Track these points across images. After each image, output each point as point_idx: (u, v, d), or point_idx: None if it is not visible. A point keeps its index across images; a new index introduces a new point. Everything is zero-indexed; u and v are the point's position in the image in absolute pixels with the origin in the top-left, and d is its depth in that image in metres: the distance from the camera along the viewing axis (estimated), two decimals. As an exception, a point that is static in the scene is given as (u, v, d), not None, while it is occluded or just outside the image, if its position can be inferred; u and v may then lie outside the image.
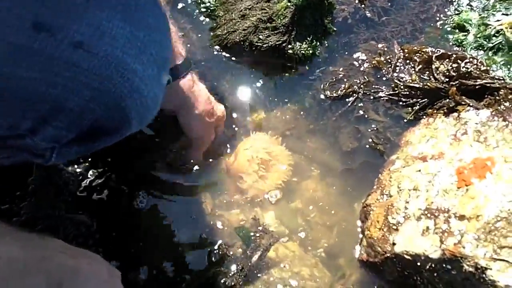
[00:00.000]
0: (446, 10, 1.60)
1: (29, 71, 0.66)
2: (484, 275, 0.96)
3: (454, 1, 1.61)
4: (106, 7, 0.69)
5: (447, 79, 1.37)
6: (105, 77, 0.70)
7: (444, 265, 1.03)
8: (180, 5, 1.53)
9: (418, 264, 1.07)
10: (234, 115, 1.40)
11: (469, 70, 1.35)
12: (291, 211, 1.30)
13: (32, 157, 0.78)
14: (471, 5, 1.58)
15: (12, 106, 0.68)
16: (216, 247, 1.23)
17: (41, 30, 0.64)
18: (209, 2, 1.51)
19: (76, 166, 1.26)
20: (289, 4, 1.41)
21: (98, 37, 0.68)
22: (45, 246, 0.86)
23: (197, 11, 1.53)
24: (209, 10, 1.51)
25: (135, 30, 0.72)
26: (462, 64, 1.37)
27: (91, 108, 0.71)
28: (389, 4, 1.61)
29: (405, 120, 1.40)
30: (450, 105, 1.33)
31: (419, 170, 1.19)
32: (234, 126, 1.39)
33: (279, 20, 1.41)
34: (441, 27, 1.57)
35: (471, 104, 1.30)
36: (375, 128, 1.39)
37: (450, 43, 1.53)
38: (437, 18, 1.59)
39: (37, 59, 0.65)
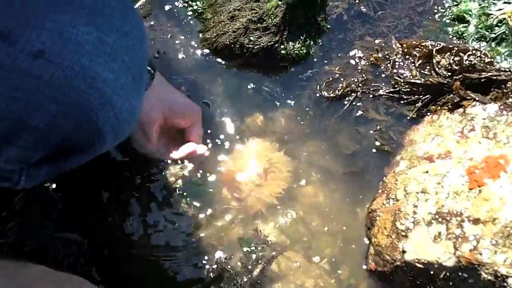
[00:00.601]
0: (443, 1, 1.53)
1: None
2: (505, 284, 0.89)
3: (452, -8, 1.54)
4: (70, 10, 0.62)
5: (450, 74, 1.30)
6: (71, 88, 0.62)
7: (460, 274, 0.96)
8: (167, 7, 1.45)
9: (431, 272, 1.00)
10: (227, 120, 1.32)
11: (472, 63, 1.28)
12: (292, 219, 1.23)
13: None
14: (470, -5, 1.52)
15: None
16: (214, 262, 1.16)
17: None
18: (196, 4, 1.44)
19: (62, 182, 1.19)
20: (280, 2, 1.34)
21: (61, 44, 0.61)
22: (23, 274, 0.79)
23: (185, 13, 1.45)
24: (197, 13, 1.44)
25: (103, 35, 0.65)
26: (465, 57, 1.31)
27: (59, 124, 0.64)
28: (384, -2, 1.55)
29: (407, 118, 1.33)
30: (455, 101, 1.27)
31: (427, 171, 1.12)
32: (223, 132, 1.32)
33: (270, 20, 1.34)
34: (439, 20, 1.50)
35: (477, 99, 1.23)
36: (378, 128, 1.32)
37: (450, 36, 1.46)
38: (435, 11, 1.52)
39: None
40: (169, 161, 1.24)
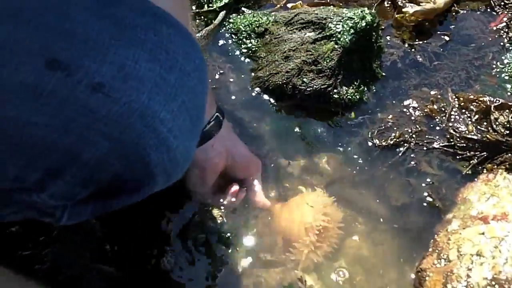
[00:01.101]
0: (503, 57, 1.49)
1: (38, 115, 0.56)
2: None
3: (512, 48, 1.50)
4: (133, 45, 0.59)
5: (508, 131, 1.25)
6: (127, 125, 0.59)
7: None
8: (220, 42, 1.45)
9: None
10: (273, 162, 1.29)
11: (533, 121, 1.23)
12: (334, 271, 1.17)
13: (40, 216, 0.68)
14: (530, 52, 1.48)
15: (17, 155, 0.58)
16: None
17: (56, 68, 0.55)
18: (250, 42, 1.42)
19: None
20: (336, 46, 1.31)
21: (122, 79, 0.58)
22: None
23: (238, 51, 1.44)
24: (250, 51, 1.42)
25: (165, 72, 0.62)
26: (525, 115, 1.26)
27: (111, 162, 0.61)
28: (441, 49, 1.51)
29: (461, 175, 1.28)
30: (513, 160, 1.22)
31: (483, 233, 1.06)
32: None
33: (325, 62, 1.31)
34: (497, 75, 1.46)
35: (537, 160, 1.18)
36: (431, 182, 1.27)
37: (509, 93, 1.41)
38: (493, 66, 1.48)
39: (49, 102, 0.55)
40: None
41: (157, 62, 0.61)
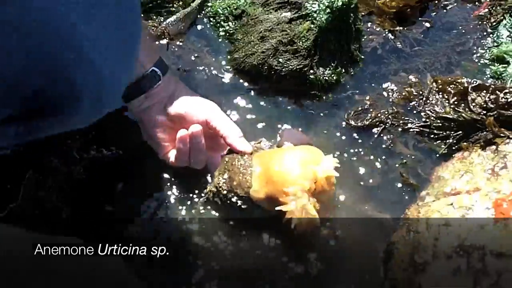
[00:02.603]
0: (483, 42, 1.48)
1: None
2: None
3: (493, 34, 1.49)
4: None
5: (484, 111, 1.24)
6: (43, 35, 0.57)
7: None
8: (199, 27, 1.45)
9: (448, 309, 0.92)
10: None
11: (508, 100, 1.22)
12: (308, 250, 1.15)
13: None
14: (511, 37, 1.46)
15: None
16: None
17: None
18: (228, 25, 1.43)
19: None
20: (312, 26, 1.31)
21: None
22: None
23: (216, 34, 1.44)
24: (228, 34, 1.42)
25: None
26: (501, 95, 1.24)
27: (28, 76, 0.59)
28: (422, 36, 1.50)
29: (437, 155, 1.26)
30: (488, 138, 1.20)
31: (451, 204, 1.05)
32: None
33: (300, 42, 1.31)
34: (478, 61, 1.45)
35: (511, 136, 1.16)
36: (405, 162, 1.25)
37: (488, 76, 1.40)
38: (474, 51, 1.47)
39: None
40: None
41: None
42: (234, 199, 1.10)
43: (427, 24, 1.53)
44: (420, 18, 1.55)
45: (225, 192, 1.10)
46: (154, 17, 1.47)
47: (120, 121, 1.28)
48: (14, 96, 0.62)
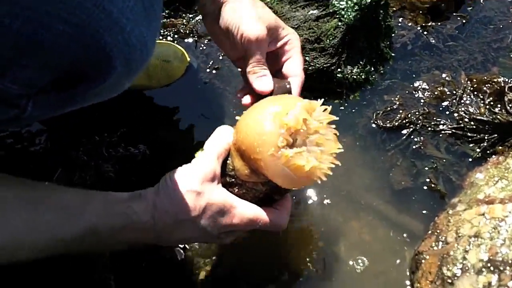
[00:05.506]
0: (523, 38, 1.41)
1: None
2: None
3: (533, 29, 1.42)
4: None
5: (522, 113, 1.18)
6: (76, 5, 0.58)
7: (509, 331, 0.82)
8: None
9: (477, 328, 0.87)
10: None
11: (548, 102, 1.15)
12: (334, 255, 1.12)
13: (8, 109, 0.67)
14: (552, 33, 1.39)
15: None
16: None
17: None
18: (255, 22, 1.38)
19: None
20: (339, 23, 1.26)
21: None
22: None
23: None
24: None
25: None
26: (540, 96, 1.18)
27: (65, 45, 0.60)
28: (457, 31, 1.44)
29: (470, 159, 1.20)
30: (526, 142, 1.14)
31: (483, 214, 0.99)
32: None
33: (327, 40, 1.26)
34: (517, 58, 1.38)
35: (550, 141, 1.10)
36: (435, 166, 1.20)
37: (527, 75, 1.33)
38: (513, 48, 1.40)
39: None
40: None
41: None
42: (236, 190, 0.89)
43: (463, 19, 1.46)
44: (455, 13, 1.48)
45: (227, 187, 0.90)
46: (184, 15, 1.46)
47: (147, 120, 1.28)
48: (52, 65, 0.63)
